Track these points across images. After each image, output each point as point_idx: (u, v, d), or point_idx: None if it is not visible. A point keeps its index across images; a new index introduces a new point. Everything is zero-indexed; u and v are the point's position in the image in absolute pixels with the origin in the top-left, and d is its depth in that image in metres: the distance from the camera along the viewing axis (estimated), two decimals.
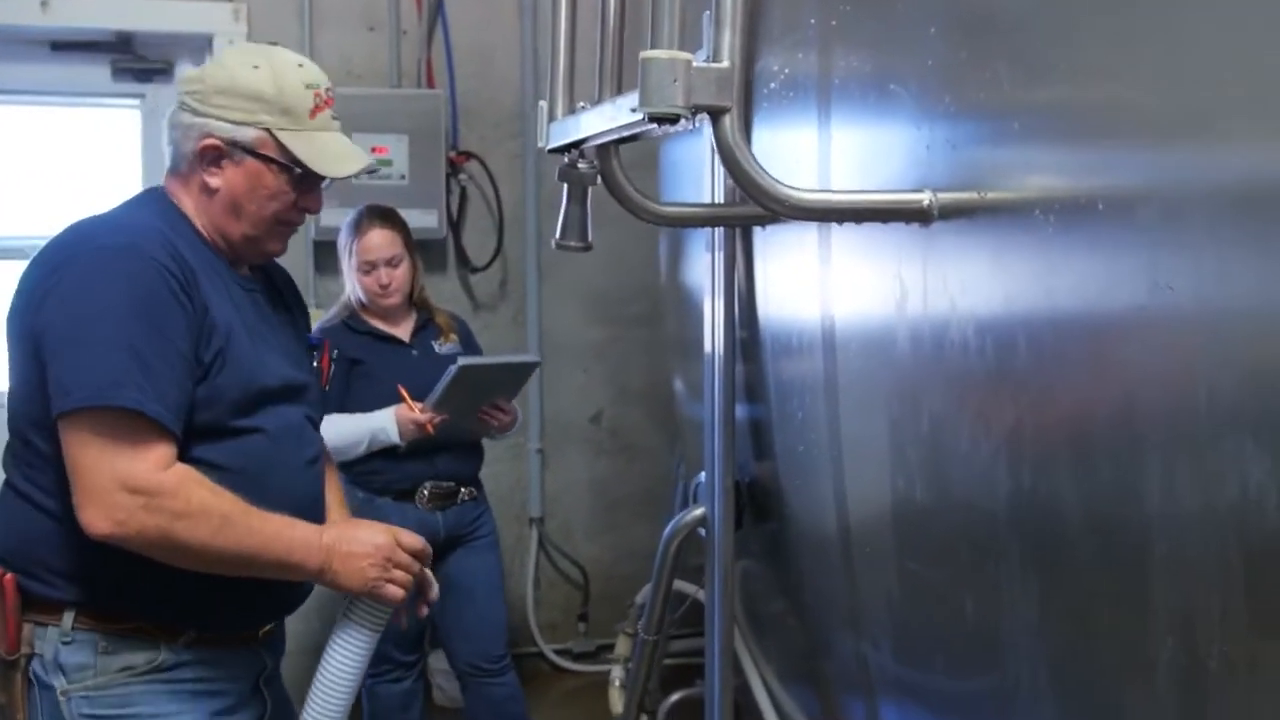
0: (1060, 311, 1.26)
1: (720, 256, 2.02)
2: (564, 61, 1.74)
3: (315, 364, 2.02)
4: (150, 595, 1.67)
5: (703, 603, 2.17)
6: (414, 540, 1.84)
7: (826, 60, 1.72)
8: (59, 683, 1.65)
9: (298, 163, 1.76)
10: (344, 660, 1.82)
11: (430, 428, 2.87)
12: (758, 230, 2.04)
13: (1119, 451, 1.23)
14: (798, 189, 1.41)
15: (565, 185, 1.79)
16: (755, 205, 1.89)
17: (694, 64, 1.25)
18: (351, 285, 3.05)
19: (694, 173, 2.29)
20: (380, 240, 3.01)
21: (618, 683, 2.65)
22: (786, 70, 1.86)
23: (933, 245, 1.50)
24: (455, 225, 3.88)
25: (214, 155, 1.75)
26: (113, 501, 1.56)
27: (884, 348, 1.66)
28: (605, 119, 1.51)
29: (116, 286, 1.62)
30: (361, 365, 2.99)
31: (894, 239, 1.61)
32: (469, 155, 3.90)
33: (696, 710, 2.31)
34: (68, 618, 1.66)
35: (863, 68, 1.64)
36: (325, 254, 3.53)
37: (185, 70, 1.85)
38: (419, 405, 2.92)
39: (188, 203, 1.77)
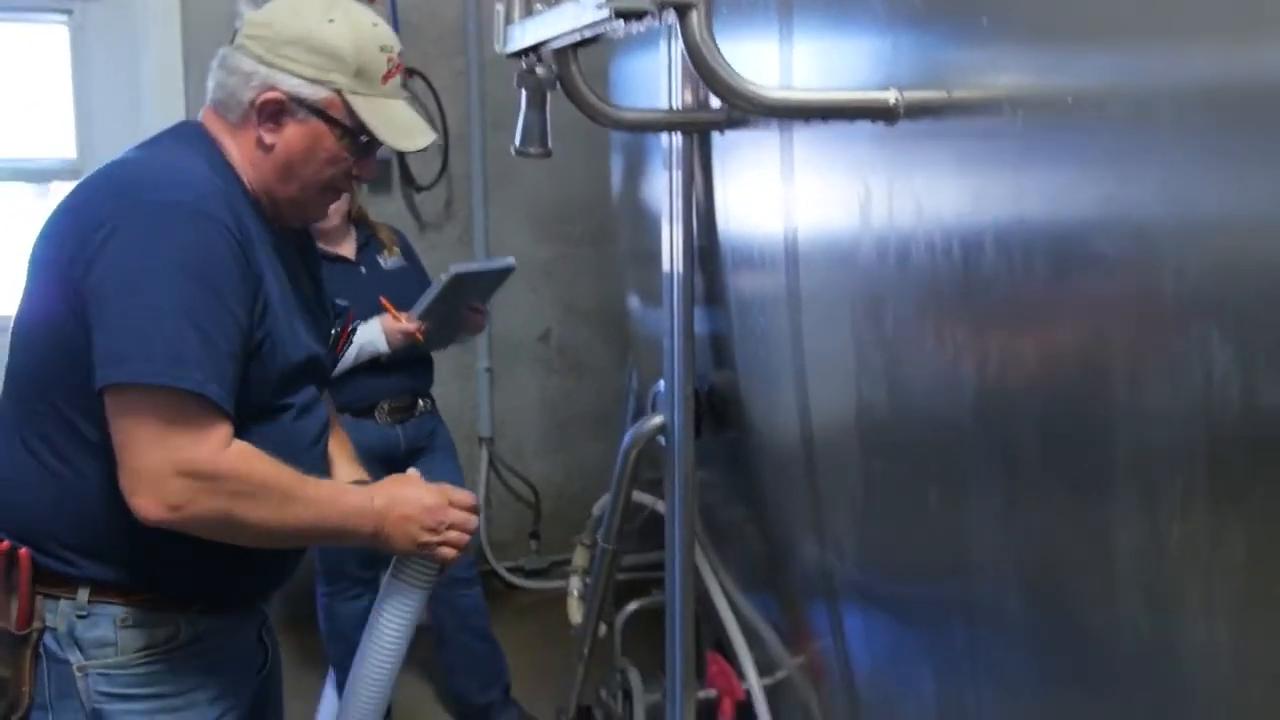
0: (1028, 212, 1.27)
1: (678, 168, 2.00)
2: None
3: (334, 330, 1.91)
4: (168, 570, 1.60)
5: (661, 514, 2.20)
6: (465, 496, 1.78)
7: None
8: (75, 658, 1.57)
9: (364, 130, 1.64)
10: (396, 621, 1.77)
11: (419, 335, 2.89)
12: (717, 143, 2.04)
13: (1086, 349, 1.25)
14: (764, 86, 1.41)
15: (523, 91, 1.77)
16: (715, 112, 1.92)
17: None
18: None
19: (644, 88, 2.27)
20: None
21: (575, 594, 2.67)
22: None
23: (899, 151, 1.50)
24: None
25: (275, 110, 1.62)
26: (169, 487, 1.46)
27: (848, 255, 1.66)
28: (568, 19, 1.49)
29: (179, 250, 1.50)
30: None
31: (858, 146, 1.61)
32: (412, 72, 3.82)
33: (654, 620, 2.34)
34: (83, 593, 1.57)
35: None
36: None
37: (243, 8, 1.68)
38: (404, 315, 2.92)
39: (235, 153, 1.65)
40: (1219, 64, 1.01)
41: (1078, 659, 1.43)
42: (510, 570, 4.08)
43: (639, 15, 1.27)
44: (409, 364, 3.07)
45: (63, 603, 1.57)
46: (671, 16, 1.29)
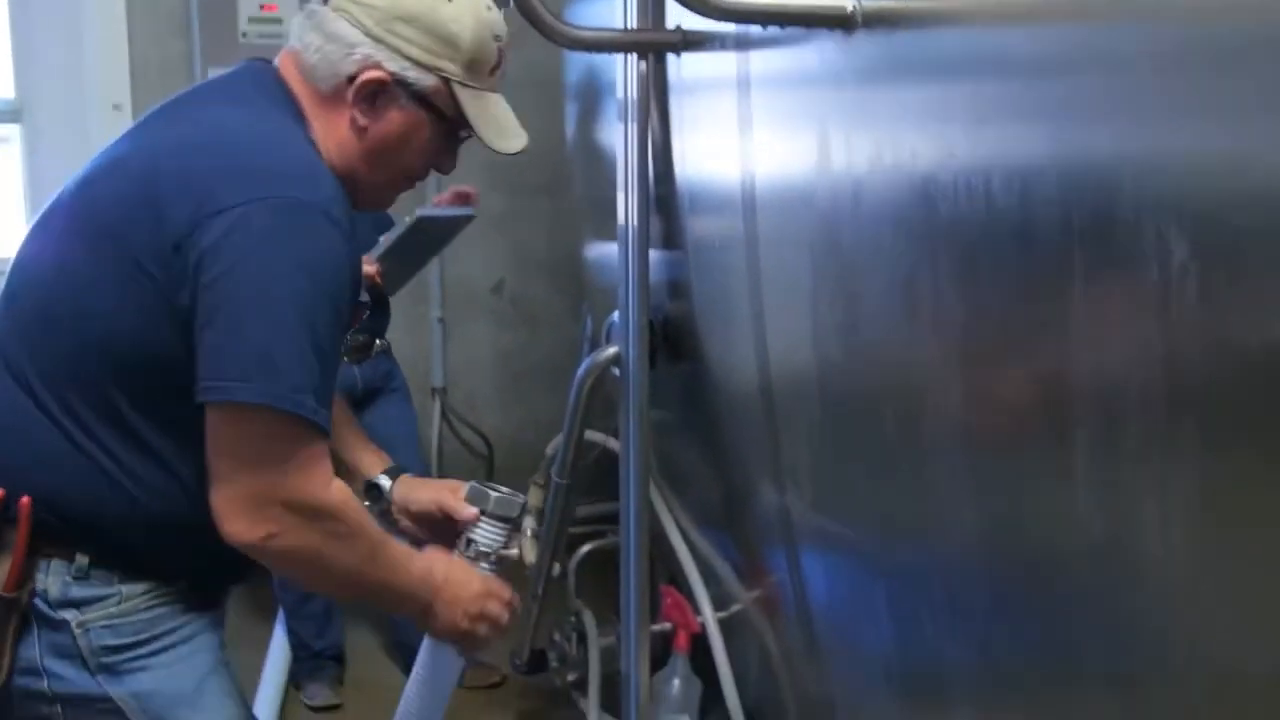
0: (985, 129, 1.26)
1: (634, 94, 1.98)
2: None
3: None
4: (172, 565, 1.52)
5: (614, 453, 2.18)
6: (504, 590, 1.71)
7: None
8: (72, 615, 1.45)
9: (466, 125, 1.54)
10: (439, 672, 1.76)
11: (378, 278, 2.86)
12: (674, 88, 2.03)
13: (1044, 288, 1.24)
14: None
15: None
16: (670, 33, 1.90)
17: None
18: None
19: (593, 19, 2.24)
20: None
21: (529, 534, 2.65)
22: None
23: (858, 91, 1.49)
24: None
25: (375, 91, 1.49)
26: (268, 515, 1.38)
27: (805, 197, 1.65)
28: None
29: (311, 260, 1.38)
30: None
31: (816, 88, 1.60)
32: None
33: (608, 563, 2.32)
34: (82, 558, 1.45)
35: None
36: None
37: None
38: (365, 257, 2.88)
39: (321, 130, 1.50)
40: None
41: (1032, 589, 1.44)
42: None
43: None
44: (366, 305, 3.03)
45: (55, 562, 1.45)
46: None
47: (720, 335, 2.05)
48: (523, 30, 1.61)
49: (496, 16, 1.55)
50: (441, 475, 4.02)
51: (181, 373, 1.39)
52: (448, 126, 1.55)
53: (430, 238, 3.05)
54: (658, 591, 2.25)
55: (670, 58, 1.99)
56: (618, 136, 2.05)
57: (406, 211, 2.92)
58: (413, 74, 1.48)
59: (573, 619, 2.67)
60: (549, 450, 2.61)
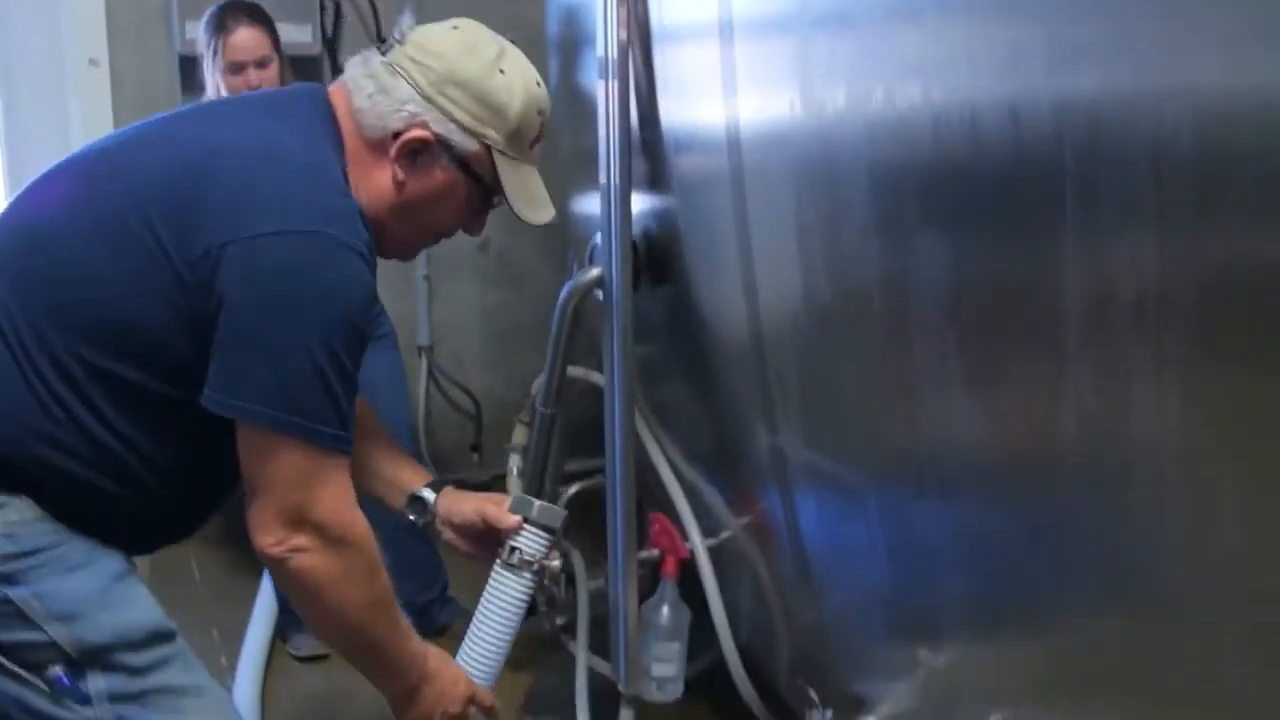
0: (975, 77, 1.26)
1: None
2: None
3: None
4: (120, 519, 1.49)
5: (600, 385, 2.15)
6: (486, 698, 1.73)
7: None
8: None
9: (500, 193, 1.57)
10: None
11: None
12: (656, 34, 2.00)
13: (1033, 217, 1.24)
14: None
15: None
16: None
17: None
18: (215, 87, 2.87)
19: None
20: (249, 39, 2.84)
21: (515, 471, 2.62)
22: None
23: (840, 24, 1.48)
24: (331, 42, 3.72)
25: (418, 150, 1.51)
26: (299, 532, 1.42)
27: (790, 132, 1.64)
28: None
29: (348, 298, 1.40)
30: None
31: (799, 25, 1.58)
32: None
33: (596, 504, 2.28)
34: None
35: None
36: (194, 70, 3.34)
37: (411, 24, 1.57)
38: None
39: (356, 168, 1.51)
40: None
41: (1024, 512, 1.43)
42: (453, 484, 4.01)
43: None
44: None
45: None
46: None
47: (706, 258, 2.02)
48: None
49: (544, 93, 1.59)
50: (429, 437, 4.01)
51: (162, 358, 1.42)
52: (484, 192, 1.57)
53: None
54: (645, 518, 2.22)
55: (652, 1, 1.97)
56: (597, 66, 2.01)
57: None
58: (457, 137, 1.51)
59: (561, 560, 2.64)
60: (533, 389, 2.58)
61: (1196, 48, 1.00)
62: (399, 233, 1.56)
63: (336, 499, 1.44)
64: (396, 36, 1.56)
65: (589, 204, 2.54)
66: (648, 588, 2.22)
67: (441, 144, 1.51)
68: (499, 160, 1.54)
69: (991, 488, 1.53)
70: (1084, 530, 1.40)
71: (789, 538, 2.00)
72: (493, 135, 1.53)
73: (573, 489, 2.60)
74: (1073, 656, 1.49)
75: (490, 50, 1.54)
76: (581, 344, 2.39)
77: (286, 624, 2.98)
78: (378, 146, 1.52)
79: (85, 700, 1.37)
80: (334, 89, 1.57)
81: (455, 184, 1.54)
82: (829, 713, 1.92)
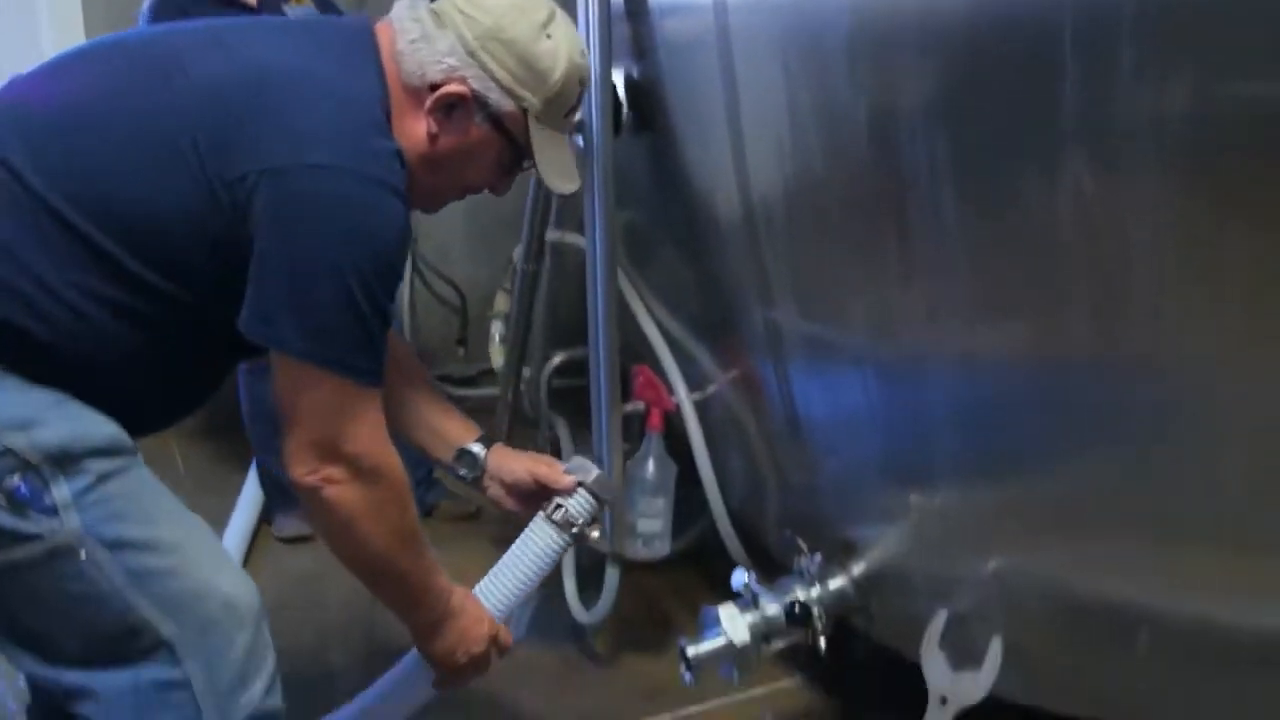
0: None
1: None
2: None
3: None
4: (104, 396, 1.42)
5: (582, 248, 2.09)
6: (508, 639, 1.70)
7: None
8: None
9: (530, 158, 1.54)
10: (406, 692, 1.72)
11: None
12: None
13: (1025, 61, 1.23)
14: None
15: None
16: None
17: None
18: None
19: None
20: None
21: (497, 339, 2.58)
22: None
23: None
24: None
25: (454, 104, 1.48)
26: (333, 462, 1.41)
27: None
28: None
29: (386, 240, 1.39)
30: None
31: None
32: None
33: (582, 374, 2.24)
34: None
35: None
36: None
37: None
38: None
39: (396, 116, 1.48)
40: None
41: (1025, 368, 1.40)
42: (439, 379, 3.97)
43: None
44: None
45: None
46: None
47: (693, 127, 1.97)
48: None
49: (586, 64, 1.58)
50: (415, 331, 3.96)
51: (174, 261, 1.38)
52: (514, 154, 1.55)
53: None
54: (630, 374, 2.18)
55: None
56: None
57: None
58: (495, 96, 1.48)
59: (547, 432, 2.61)
60: (514, 255, 2.52)
61: None
62: (427, 185, 1.52)
63: (370, 432, 1.44)
64: None
65: None
66: (633, 446, 2.19)
67: (478, 101, 1.48)
68: (533, 125, 1.51)
69: (989, 345, 1.50)
70: (1082, 377, 1.38)
71: (782, 402, 1.96)
72: (530, 99, 1.50)
73: (557, 357, 2.56)
74: (1071, 497, 1.48)
75: (540, 13, 1.51)
76: (569, 215, 2.34)
77: (271, 506, 2.95)
78: (414, 95, 1.48)
79: (50, 511, 1.31)
80: (381, 26, 1.53)
81: (488, 142, 1.52)
82: (818, 556, 1.89)
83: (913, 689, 1.68)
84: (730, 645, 1.81)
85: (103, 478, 1.35)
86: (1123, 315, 1.29)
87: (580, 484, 1.76)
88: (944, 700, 1.65)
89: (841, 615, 1.91)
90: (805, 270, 1.80)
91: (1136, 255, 1.25)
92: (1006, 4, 1.26)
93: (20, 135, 1.38)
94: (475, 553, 2.77)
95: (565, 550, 1.75)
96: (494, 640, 1.66)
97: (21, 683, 1.81)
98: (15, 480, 1.30)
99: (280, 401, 1.42)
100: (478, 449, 1.79)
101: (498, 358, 2.59)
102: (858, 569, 1.89)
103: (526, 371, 2.53)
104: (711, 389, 2.14)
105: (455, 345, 4.04)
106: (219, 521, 2.91)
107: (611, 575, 2.19)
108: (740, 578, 1.85)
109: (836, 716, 2.16)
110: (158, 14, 2.60)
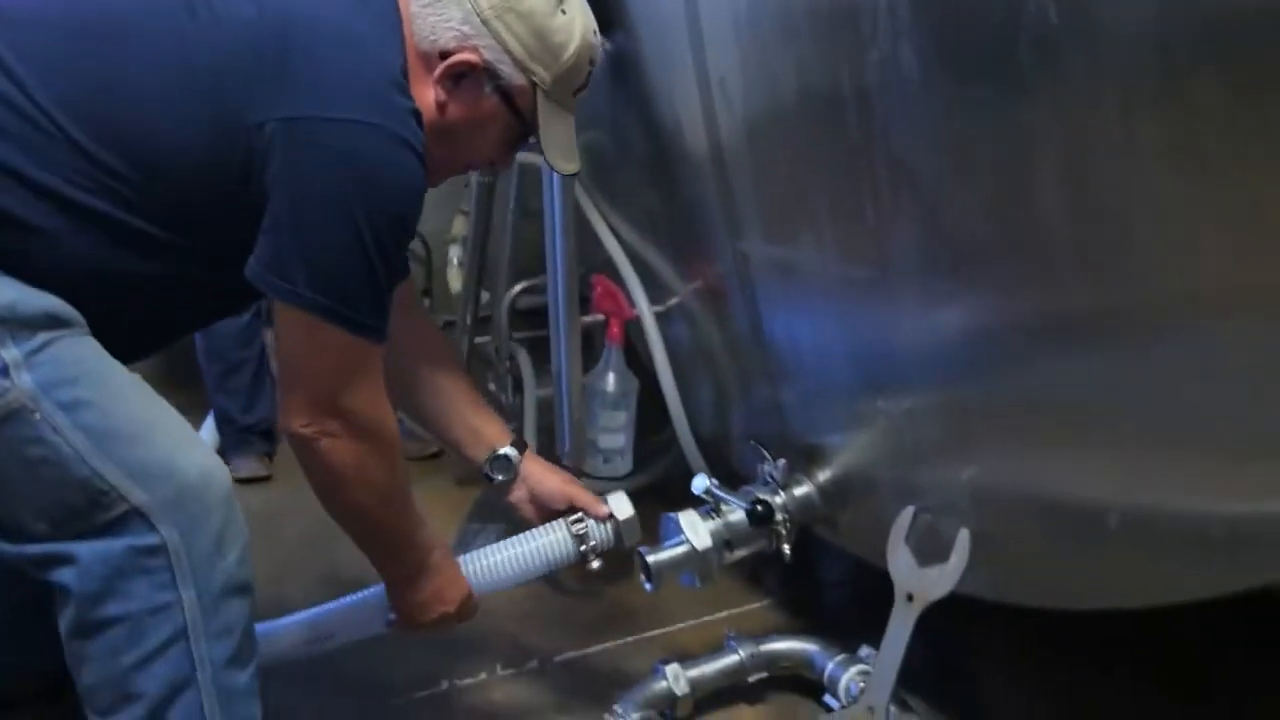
0: None
1: None
2: None
3: None
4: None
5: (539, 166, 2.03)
6: (475, 610, 1.68)
7: None
8: None
9: (535, 134, 1.52)
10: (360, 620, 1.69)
11: None
12: None
13: None
14: None
15: None
16: None
17: None
18: None
19: None
20: None
21: (455, 262, 2.52)
22: None
23: None
24: None
25: (464, 74, 1.45)
26: (329, 417, 1.39)
27: None
28: None
29: (399, 194, 1.37)
30: None
31: None
32: None
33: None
34: None
35: None
36: None
37: None
38: None
39: (412, 82, 1.44)
40: None
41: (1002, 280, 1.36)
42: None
43: None
44: None
45: None
46: None
47: (658, 59, 1.92)
48: None
49: (598, 44, 1.55)
50: None
51: (169, 196, 1.36)
52: (520, 129, 1.53)
53: None
54: (588, 284, 2.12)
55: None
56: None
57: None
58: (506, 68, 1.46)
59: (508, 364, 2.55)
60: (470, 177, 2.46)
61: None
62: (433, 156, 1.46)
63: (371, 390, 1.42)
64: None
65: None
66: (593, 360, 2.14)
67: (489, 72, 1.46)
68: (541, 101, 1.49)
69: (959, 251, 1.46)
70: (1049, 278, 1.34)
71: (746, 309, 1.92)
72: (541, 73, 1.47)
73: (518, 287, 2.50)
74: (1040, 394, 1.43)
75: None
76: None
77: (226, 448, 2.88)
78: (424, 60, 1.46)
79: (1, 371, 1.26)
80: None
81: (495, 114, 1.49)
82: (782, 461, 1.84)
83: (881, 609, 1.64)
84: (691, 551, 1.75)
85: (54, 341, 1.30)
86: (1092, 220, 1.25)
87: (612, 517, 1.72)
88: (910, 597, 1.59)
89: (806, 523, 1.86)
90: (769, 182, 1.76)
91: (1103, 165, 1.21)
92: None
93: (23, 36, 1.34)
94: (438, 491, 2.73)
95: (566, 563, 1.71)
96: (463, 604, 1.63)
97: None
98: None
99: (282, 353, 1.41)
100: (514, 454, 1.76)
101: (455, 282, 2.53)
102: (823, 475, 1.85)
103: (485, 297, 2.47)
104: (673, 301, 2.09)
105: (421, 296, 3.97)
106: None
107: None
108: (701, 482, 1.80)
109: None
110: None
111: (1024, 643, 1.99)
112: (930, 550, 1.61)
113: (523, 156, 2.21)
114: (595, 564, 1.73)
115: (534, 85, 1.48)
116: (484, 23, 1.44)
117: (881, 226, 1.55)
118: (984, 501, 1.57)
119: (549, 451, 2.33)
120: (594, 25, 1.54)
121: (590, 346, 2.13)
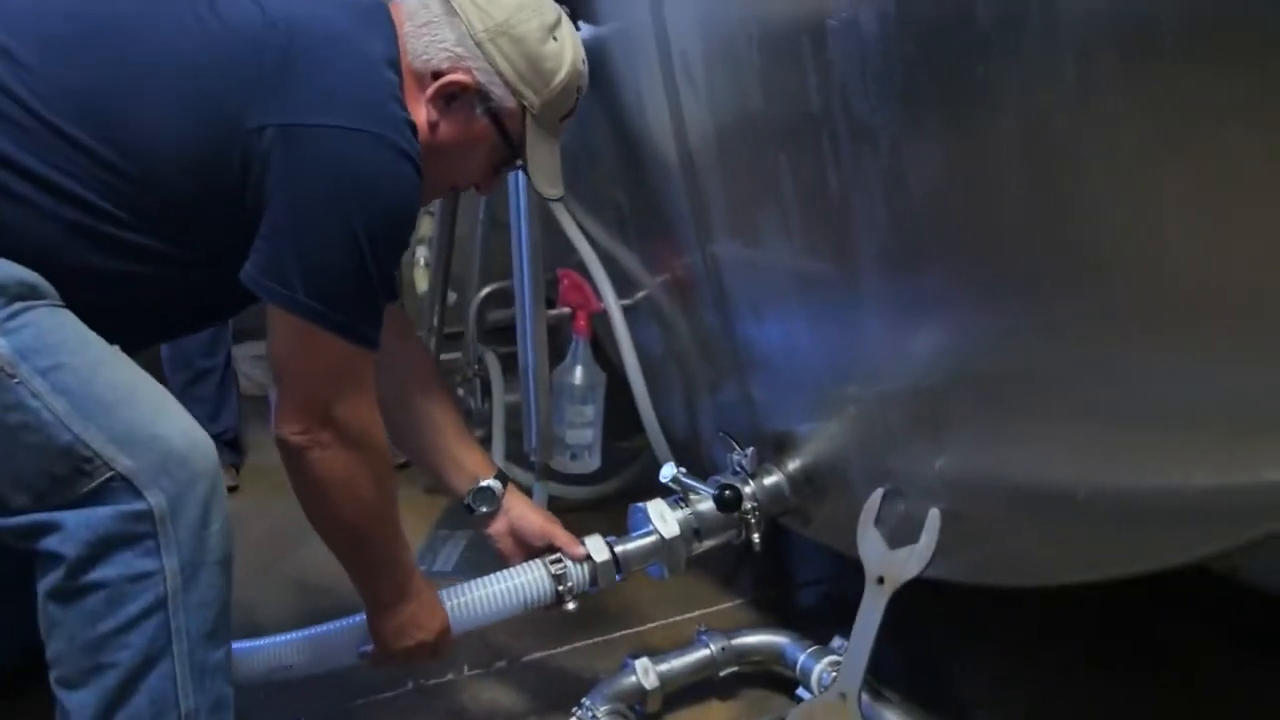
0: None
1: None
2: None
3: None
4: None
5: None
6: (450, 649, 1.67)
7: None
8: None
9: (522, 158, 1.53)
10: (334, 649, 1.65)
11: None
12: None
13: None
14: None
15: None
16: None
17: None
18: None
19: None
20: None
21: (422, 262, 2.50)
22: None
23: None
24: None
25: (455, 95, 1.46)
26: (322, 426, 1.38)
27: None
28: None
29: (395, 204, 1.37)
30: None
31: None
32: None
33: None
34: None
35: None
36: None
37: None
38: None
39: (407, 103, 1.44)
40: None
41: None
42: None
43: None
44: None
45: None
46: None
47: (625, 63, 1.91)
48: None
49: (585, 71, 1.56)
50: None
51: (157, 202, 1.35)
52: (507, 153, 1.54)
53: None
54: (554, 276, 2.11)
55: None
56: None
57: None
58: (498, 90, 1.47)
59: (476, 366, 2.52)
60: None
61: None
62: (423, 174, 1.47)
63: (363, 400, 1.42)
64: None
65: None
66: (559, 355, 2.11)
67: (480, 94, 1.47)
68: (529, 126, 1.51)
69: (930, 248, 1.45)
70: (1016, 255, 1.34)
71: (714, 300, 1.90)
72: (531, 97, 1.49)
73: (486, 289, 2.48)
74: (1009, 374, 1.42)
75: (549, 15, 1.51)
76: None
77: None
78: (417, 79, 1.46)
79: None
80: (393, 4, 1.51)
81: (485, 136, 1.50)
82: (750, 450, 1.82)
83: (855, 608, 1.61)
84: (660, 540, 1.73)
85: (30, 309, 1.27)
86: (1055, 203, 1.25)
87: (589, 558, 1.70)
88: (881, 580, 1.57)
89: (776, 514, 1.84)
90: (737, 176, 1.75)
91: (1066, 148, 1.21)
92: None
93: (23, 30, 1.33)
94: (407, 500, 2.67)
95: (542, 604, 1.69)
96: (440, 635, 1.61)
97: None
98: None
99: (277, 360, 1.39)
100: (497, 486, 1.75)
101: (421, 282, 2.50)
102: (792, 464, 1.83)
103: (453, 297, 2.45)
104: (640, 294, 2.07)
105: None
106: None
107: (539, 492, 2.10)
108: (669, 470, 1.77)
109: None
110: None
111: (1004, 638, 1.97)
112: (902, 538, 1.59)
113: None
114: (571, 605, 1.70)
115: (524, 109, 1.49)
116: (478, 45, 1.45)
117: (848, 215, 1.54)
118: (953, 481, 1.55)
119: (518, 454, 2.31)
120: (583, 55, 1.55)
121: (556, 341, 2.11)
